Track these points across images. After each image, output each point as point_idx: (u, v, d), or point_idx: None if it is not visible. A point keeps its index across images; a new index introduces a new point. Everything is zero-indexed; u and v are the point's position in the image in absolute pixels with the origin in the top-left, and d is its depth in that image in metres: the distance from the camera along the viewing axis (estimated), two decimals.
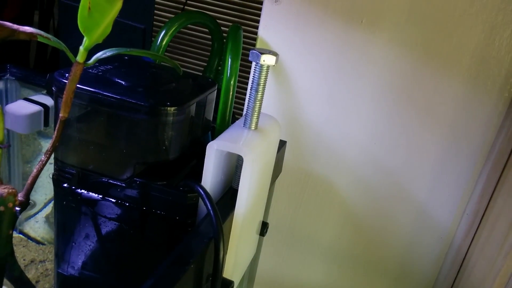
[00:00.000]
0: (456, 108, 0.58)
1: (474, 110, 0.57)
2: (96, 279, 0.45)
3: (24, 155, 0.78)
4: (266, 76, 0.41)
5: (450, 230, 0.64)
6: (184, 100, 0.41)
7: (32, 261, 0.65)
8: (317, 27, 0.59)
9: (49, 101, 0.67)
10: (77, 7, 0.65)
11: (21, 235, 0.73)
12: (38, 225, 0.73)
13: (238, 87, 0.57)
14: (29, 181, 0.36)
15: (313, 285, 0.73)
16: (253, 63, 0.41)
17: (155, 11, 0.75)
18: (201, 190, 0.38)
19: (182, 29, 0.62)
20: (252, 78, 0.41)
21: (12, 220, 0.29)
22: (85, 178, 0.42)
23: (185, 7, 0.87)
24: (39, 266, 0.64)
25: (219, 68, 0.65)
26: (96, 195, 0.42)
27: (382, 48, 0.58)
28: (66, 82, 0.40)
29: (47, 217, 0.76)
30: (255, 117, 0.42)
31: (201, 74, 0.60)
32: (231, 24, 0.60)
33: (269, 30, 0.61)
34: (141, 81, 0.43)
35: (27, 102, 0.66)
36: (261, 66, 0.40)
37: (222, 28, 0.64)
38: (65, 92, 0.35)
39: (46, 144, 0.85)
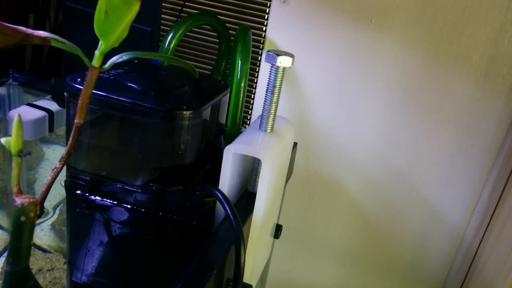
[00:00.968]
0: (466, 107, 0.58)
1: (484, 109, 0.58)
2: (112, 287, 0.45)
3: (27, 162, 0.77)
4: (282, 78, 0.41)
5: (460, 228, 0.64)
6: (199, 103, 0.40)
7: (40, 270, 0.64)
8: (326, 27, 0.58)
9: (53, 106, 0.66)
10: (81, 11, 0.64)
11: None
12: (44, 233, 0.72)
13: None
14: (43, 189, 0.35)
15: (323, 285, 0.73)
16: (270, 65, 0.40)
17: (162, 15, 0.75)
18: (219, 195, 0.38)
19: (188, 32, 0.62)
20: (268, 80, 0.41)
21: (32, 230, 0.28)
22: (99, 185, 0.42)
23: (187, 9, 0.86)
24: (47, 274, 0.63)
25: (227, 70, 0.65)
26: (111, 201, 0.42)
27: (391, 48, 0.58)
28: (79, 87, 0.39)
29: (53, 225, 0.75)
30: (271, 120, 0.42)
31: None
32: (234, 25, 0.59)
33: (277, 30, 0.60)
34: (154, 85, 0.43)
35: (31, 107, 0.65)
36: (277, 68, 0.40)
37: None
38: (80, 98, 0.34)
39: (49, 150, 0.84)
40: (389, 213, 0.66)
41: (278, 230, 0.52)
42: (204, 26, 0.63)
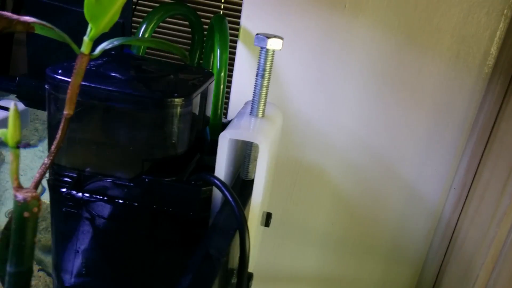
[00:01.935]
0: (439, 86, 0.60)
1: (456, 88, 0.60)
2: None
3: None
4: (272, 61, 0.40)
5: (438, 205, 0.66)
6: (190, 90, 0.39)
7: None
8: (301, 14, 0.58)
9: (19, 105, 0.62)
10: (46, 4, 0.61)
11: None
12: None
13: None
14: (32, 187, 0.33)
15: (308, 272, 0.73)
16: (259, 49, 0.39)
17: (134, 6, 0.72)
18: (218, 182, 0.37)
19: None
20: (258, 64, 0.40)
21: (36, 226, 0.26)
22: (87, 181, 0.40)
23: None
24: None
25: (201, 61, 0.63)
26: (100, 197, 0.40)
27: (366, 32, 0.58)
28: (62, 79, 0.37)
29: None
30: (262, 105, 0.41)
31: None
32: (208, 13, 0.58)
33: (251, 19, 0.60)
34: (138, 74, 0.41)
35: None
36: (267, 50, 0.39)
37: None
38: (70, 87, 0.32)
39: (8, 153, 0.79)
40: (370, 196, 0.67)
41: (268, 218, 0.52)
42: (176, 16, 0.61)
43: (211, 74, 0.47)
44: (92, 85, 0.36)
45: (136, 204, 0.40)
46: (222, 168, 0.39)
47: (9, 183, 0.82)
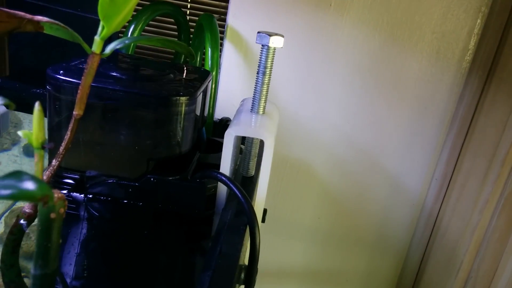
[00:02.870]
0: (421, 81, 0.62)
1: (437, 82, 0.62)
2: None
3: None
4: (273, 58, 0.41)
5: (420, 196, 0.69)
6: (194, 89, 0.39)
7: None
8: (287, 13, 0.59)
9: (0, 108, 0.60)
10: (29, 3, 0.59)
11: None
12: None
13: None
14: None
15: (296, 266, 0.74)
16: (261, 46, 0.40)
17: None
18: (226, 179, 0.37)
19: None
20: (259, 62, 0.41)
21: (61, 228, 0.26)
22: (90, 182, 0.39)
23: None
24: None
25: (187, 59, 0.63)
26: (104, 199, 0.39)
27: (351, 30, 0.60)
28: (65, 79, 0.37)
29: (1, 238, 0.68)
30: (263, 102, 0.42)
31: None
32: (195, 10, 0.58)
33: (238, 18, 0.60)
34: (139, 74, 0.41)
35: None
36: (269, 48, 0.40)
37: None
38: (80, 88, 0.32)
39: None
40: (355, 189, 0.69)
41: (264, 214, 0.52)
42: (164, 15, 0.61)
43: (208, 73, 0.47)
44: (98, 85, 0.36)
45: (140, 204, 0.40)
46: (227, 165, 0.39)
47: None
